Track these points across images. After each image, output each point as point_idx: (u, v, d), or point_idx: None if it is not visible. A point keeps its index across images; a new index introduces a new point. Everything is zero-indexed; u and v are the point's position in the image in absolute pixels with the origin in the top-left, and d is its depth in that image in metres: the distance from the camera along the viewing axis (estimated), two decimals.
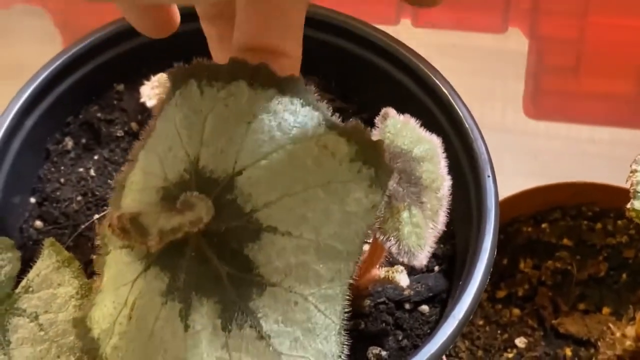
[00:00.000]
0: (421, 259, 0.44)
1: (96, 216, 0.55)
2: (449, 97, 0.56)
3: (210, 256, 0.35)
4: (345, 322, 0.35)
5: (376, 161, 0.35)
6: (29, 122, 0.56)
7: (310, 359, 0.34)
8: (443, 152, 0.47)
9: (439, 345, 0.46)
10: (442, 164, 0.47)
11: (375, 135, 0.45)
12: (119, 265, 0.38)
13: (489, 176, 0.52)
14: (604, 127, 0.83)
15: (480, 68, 0.82)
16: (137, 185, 0.38)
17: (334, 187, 0.34)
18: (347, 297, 0.35)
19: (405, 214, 0.44)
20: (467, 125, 0.54)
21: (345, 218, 0.34)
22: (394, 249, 0.44)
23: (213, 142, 0.35)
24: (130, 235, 0.34)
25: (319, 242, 0.34)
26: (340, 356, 0.35)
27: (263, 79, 0.35)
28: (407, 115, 0.48)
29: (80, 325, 0.38)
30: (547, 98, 0.84)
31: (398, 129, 0.46)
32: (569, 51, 0.83)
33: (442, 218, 0.46)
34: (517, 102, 0.84)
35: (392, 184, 0.43)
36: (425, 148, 0.47)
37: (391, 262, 0.52)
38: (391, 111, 0.48)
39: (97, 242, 0.39)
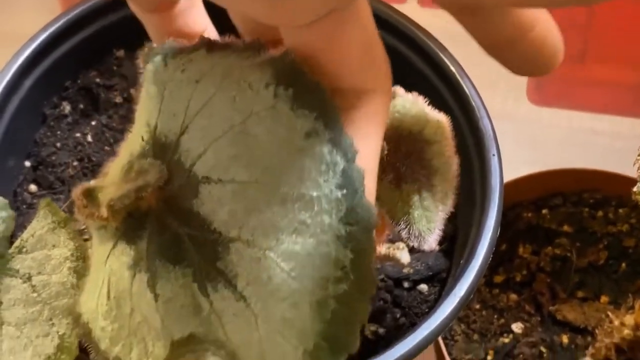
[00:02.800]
0: (431, 243, 0.43)
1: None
2: (456, 74, 0.55)
3: (170, 221, 0.33)
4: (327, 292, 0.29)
5: (293, 81, 0.31)
6: (27, 83, 0.54)
7: (275, 327, 0.31)
8: (452, 132, 0.46)
9: (439, 322, 0.45)
10: (451, 145, 0.46)
11: None
12: (97, 248, 0.37)
13: (494, 155, 0.51)
14: (608, 115, 0.82)
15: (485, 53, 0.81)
16: (113, 167, 0.37)
17: (256, 119, 0.31)
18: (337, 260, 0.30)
19: (415, 198, 0.43)
20: (473, 104, 0.53)
21: (279, 152, 0.31)
22: (403, 233, 0.43)
23: (168, 107, 0.34)
24: (87, 210, 0.34)
25: (257, 182, 0.31)
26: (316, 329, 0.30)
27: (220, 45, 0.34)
28: (416, 94, 0.47)
29: (73, 312, 0.37)
30: (551, 84, 0.83)
31: (407, 108, 0.45)
32: (576, 37, 0.82)
33: (451, 200, 0.45)
34: (521, 88, 0.83)
35: (402, 166, 0.43)
36: (435, 129, 0.45)
37: (391, 240, 0.51)
38: (399, 90, 0.46)
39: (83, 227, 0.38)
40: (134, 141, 0.36)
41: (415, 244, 0.42)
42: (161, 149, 0.34)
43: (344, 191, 0.30)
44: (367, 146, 0.31)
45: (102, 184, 0.35)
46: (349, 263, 0.29)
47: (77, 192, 0.35)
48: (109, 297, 0.35)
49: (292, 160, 0.31)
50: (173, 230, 0.33)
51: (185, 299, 0.33)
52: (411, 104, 0.45)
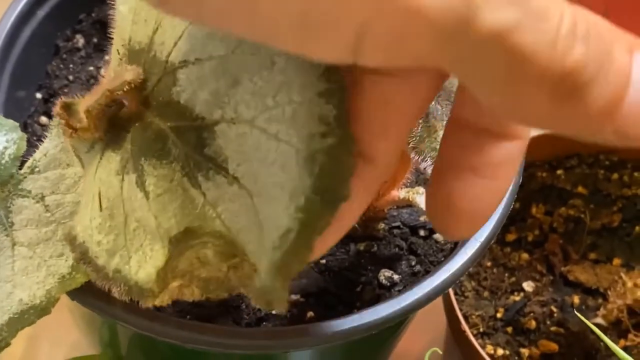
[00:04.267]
0: None
1: None
2: None
3: (152, 119, 0.33)
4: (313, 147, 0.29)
5: None
6: (41, 13, 0.53)
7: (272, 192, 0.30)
8: None
9: (459, 266, 0.44)
10: None
11: None
12: (87, 169, 0.37)
13: None
14: None
15: None
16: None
17: None
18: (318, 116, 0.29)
19: (443, 132, 0.42)
20: None
21: None
22: (429, 170, 0.42)
23: (139, 17, 0.34)
24: (69, 125, 0.34)
25: (234, 53, 0.30)
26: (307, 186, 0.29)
27: None
28: None
29: (69, 237, 0.36)
30: None
31: None
32: (595, 3, 0.80)
33: None
34: None
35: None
36: None
37: (408, 185, 0.50)
38: None
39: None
40: (112, 60, 0.36)
41: None
42: (136, 54, 0.34)
43: None
44: None
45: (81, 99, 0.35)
46: (333, 119, 0.29)
47: (56, 108, 0.35)
48: (101, 209, 0.35)
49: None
50: (155, 127, 0.33)
51: (176, 194, 0.32)
52: None
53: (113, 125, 0.34)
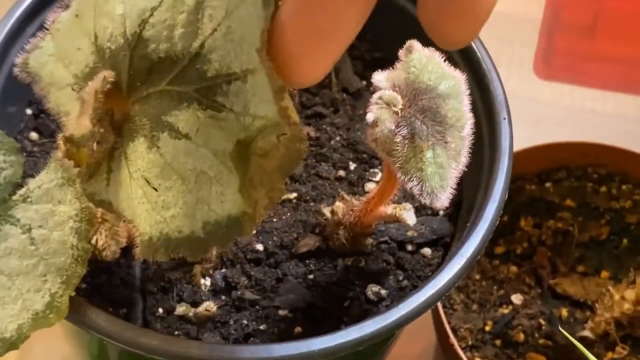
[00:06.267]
0: (443, 201, 0.43)
1: None
2: None
3: (163, 88, 0.36)
4: None
5: None
6: (30, 30, 0.53)
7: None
8: (467, 90, 0.46)
9: (445, 282, 0.44)
10: (466, 101, 0.45)
11: (398, 69, 0.44)
12: (109, 192, 0.39)
13: (504, 118, 0.51)
14: (614, 92, 0.82)
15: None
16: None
17: None
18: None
19: (429, 154, 0.42)
20: (484, 66, 0.53)
21: None
22: (415, 190, 0.42)
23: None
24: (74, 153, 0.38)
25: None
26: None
27: None
28: (432, 49, 0.46)
29: (148, 250, 0.38)
30: (559, 57, 0.83)
31: (423, 63, 0.44)
32: (585, 11, 0.81)
33: (464, 159, 0.44)
34: (527, 62, 0.82)
35: (416, 121, 0.42)
36: (451, 85, 0.45)
37: (396, 201, 0.50)
38: (416, 44, 0.45)
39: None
40: (74, 61, 0.39)
41: (427, 202, 0.42)
42: (111, 57, 0.37)
43: None
44: None
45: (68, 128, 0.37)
46: None
47: (60, 147, 0.37)
48: (156, 189, 0.36)
49: None
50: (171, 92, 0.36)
51: (210, 124, 0.35)
52: (427, 59, 0.44)
53: (117, 128, 0.37)
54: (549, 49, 0.81)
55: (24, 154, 0.52)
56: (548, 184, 0.71)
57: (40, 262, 0.40)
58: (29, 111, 0.54)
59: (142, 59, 0.36)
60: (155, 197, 0.36)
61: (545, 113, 0.82)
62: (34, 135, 0.53)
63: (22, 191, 0.42)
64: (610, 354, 0.63)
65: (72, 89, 0.39)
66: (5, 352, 0.39)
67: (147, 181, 0.36)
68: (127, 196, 0.38)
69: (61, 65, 0.40)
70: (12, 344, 0.39)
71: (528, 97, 0.82)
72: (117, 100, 0.37)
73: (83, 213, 0.40)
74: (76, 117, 0.36)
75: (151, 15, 0.35)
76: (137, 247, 0.38)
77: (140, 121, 0.36)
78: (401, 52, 0.45)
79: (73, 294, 0.40)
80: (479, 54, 0.53)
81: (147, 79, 0.36)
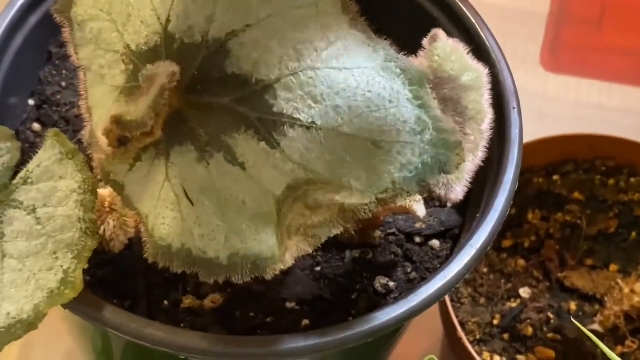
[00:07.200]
0: (458, 193, 0.42)
1: None
2: (476, 25, 0.53)
3: (208, 100, 0.36)
4: None
5: None
6: (33, 20, 0.53)
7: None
8: (489, 83, 0.45)
9: (455, 273, 0.44)
10: (487, 96, 0.45)
11: (421, 56, 0.43)
12: (136, 187, 0.38)
13: (514, 108, 0.50)
14: (621, 85, 0.81)
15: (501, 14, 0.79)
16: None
17: None
18: None
19: None
20: (494, 56, 0.52)
21: None
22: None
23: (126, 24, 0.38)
24: (119, 136, 0.36)
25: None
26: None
27: None
28: (457, 40, 0.45)
29: (165, 256, 0.37)
30: (566, 50, 0.82)
31: (447, 53, 0.44)
32: (593, 2, 0.80)
33: (481, 153, 0.44)
34: (534, 56, 0.82)
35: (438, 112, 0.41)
36: (473, 77, 0.44)
37: None
38: (441, 33, 0.45)
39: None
40: (132, 32, 0.38)
41: (443, 193, 0.41)
42: (149, 54, 0.37)
43: None
44: None
45: (122, 108, 0.35)
46: None
47: (107, 125, 0.36)
48: (192, 203, 0.36)
49: None
50: (217, 106, 0.35)
51: (263, 158, 0.35)
52: (451, 49, 0.44)
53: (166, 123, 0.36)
54: (556, 41, 0.81)
55: (27, 145, 0.51)
56: (556, 177, 0.71)
57: (48, 240, 0.40)
58: (31, 102, 0.53)
59: (216, 68, 0.35)
60: (189, 209, 0.36)
61: (551, 106, 0.81)
62: (36, 126, 0.52)
63: (21, 174, 0.42)
64: (620, 348, 0.63)
65: (122, 60, 0.38)
66: (24, 332, 0.39)
67: (185, 191, 0.36)
68: (153, 194, 0.37)
69: (114, 27, 0.38)
70: (31, 324, 0.39)
71: (534, 91, 0.81)
72: (171, 95, 0.36)
73: (86, 184, 0.40)
74: (132, 100, 0.35)
75: (243, 31, 0.35)
76: (148, 247, 0.38)
77: (197, 131, 0.36)
78: (425, 41, 0.44)
79: (86, 266, 0.40)
80: (488, 44, 0.52)
81: (211, 88, 0.35)
